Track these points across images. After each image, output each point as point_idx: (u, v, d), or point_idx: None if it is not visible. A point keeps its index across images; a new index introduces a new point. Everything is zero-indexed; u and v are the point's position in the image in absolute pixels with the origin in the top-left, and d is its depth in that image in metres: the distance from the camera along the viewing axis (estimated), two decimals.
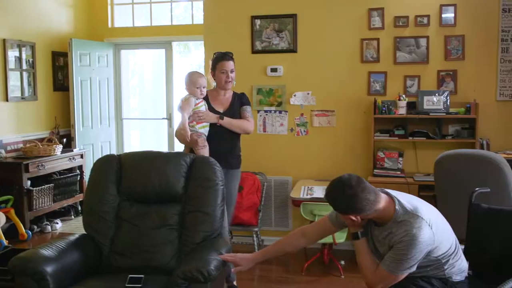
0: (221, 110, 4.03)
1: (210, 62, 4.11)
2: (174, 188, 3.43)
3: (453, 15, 4.95)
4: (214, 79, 4.07)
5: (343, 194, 2.42)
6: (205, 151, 3.80)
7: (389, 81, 5.12)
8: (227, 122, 3.94)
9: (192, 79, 3.84)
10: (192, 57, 11.54)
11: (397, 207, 2.47)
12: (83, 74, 6.71)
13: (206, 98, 4.02)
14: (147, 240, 3.33)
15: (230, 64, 4.00)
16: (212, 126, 3.93)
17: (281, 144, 5.42)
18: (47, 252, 3.00)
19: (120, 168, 3.54)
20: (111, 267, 3.32)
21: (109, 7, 7.18)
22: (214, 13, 5.51)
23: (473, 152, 4.03)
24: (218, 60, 4.00)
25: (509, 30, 4.85)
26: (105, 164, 3.59)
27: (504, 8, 4.84)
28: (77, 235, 3.40)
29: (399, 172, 4.87)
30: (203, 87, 3.85)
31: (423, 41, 5.02)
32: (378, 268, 2.51)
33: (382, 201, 2.47)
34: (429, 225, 2.42)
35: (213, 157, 3.59)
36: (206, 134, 3.89)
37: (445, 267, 2.55)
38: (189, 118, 3.80)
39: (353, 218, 2.47)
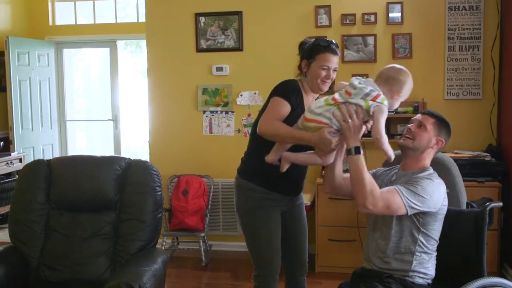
0: None
1: (300, 50, 3.04)
2: (107, 194, 3.22)
3: (400, 13, 4.89)
4: (304, 72, 2.96)
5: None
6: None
7: (337, 80, 4.99)
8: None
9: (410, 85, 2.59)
10: (144, 56, 11.25)
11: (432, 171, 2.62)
12: (22, 74, 6.38)
13: (300, 90, 2.94)
14: (78, 251, 3.11)
15: (335, 60, 2.89)
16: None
17: (228, 145, 5.25)
18: None
19: (49, 174, 3.30)
20: (40, 281, 3.09)
21: (49, 3, 6.86)
22: (156, 10, 5.30)
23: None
24: (322, 49, 2.86)
25: (455, 28, 4.81)
26: (33, 170, 3.35)
27: (450, 6, 4.80)
28: (1, 248, 3.15)
29: (347, 173, 4.76)
30: None
31: (370, 39, 4.94)
32: (387, 190, 2.45)
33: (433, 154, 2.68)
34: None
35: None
36: None
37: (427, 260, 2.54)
38: None
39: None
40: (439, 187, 2.54)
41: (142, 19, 6.52)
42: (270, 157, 2.75)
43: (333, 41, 2.91)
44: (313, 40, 2.97)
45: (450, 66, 4.85)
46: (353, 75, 4.92)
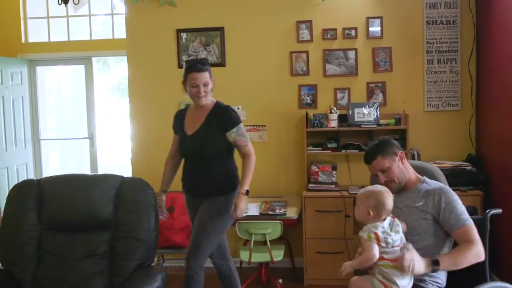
0: (191, 131, 3.48)
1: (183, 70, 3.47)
2: (101, 213, 3.17)
3: (379, 28, 4.99)
4: (186, 92, 3.50)
5: (378, 140, 2.90)
6: None
7: (319, 94, 5.08)
8: None
9: (381, 200, 2.58)
10: (111, 74, 11.11)
11: (425, 177, 2.82)
12: None
13: (183, 114, 3.60)
14: (74, 273, 3.05)
15: (203, 76, 3.36)
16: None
17: None
18: None
19: (40, 194, 3.24)
20: None
21: (22, 21, 6.72)
22: (137, 26, 5.27)
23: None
24: (188, 70, 3.39)
25: (433, 42, 4.94)
26: (22, 190, 3.27)
27: (428, 20, 4.93)
28: None
29: (333, 186, 4.81)
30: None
31: (351, 53, 5.03)
32: (459, 234, 2.53)
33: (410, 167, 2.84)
34: None
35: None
36: None
37: None
38: None
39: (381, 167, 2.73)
40: (451, 190, 2.72)
41: (118, 35, 6.47)
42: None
43: (200, 60, 3.46)
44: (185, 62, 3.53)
45: (430, 79, 4.97)
46: (336, 89, 5.04)
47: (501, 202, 4.26)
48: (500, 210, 2.83)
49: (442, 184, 2.76)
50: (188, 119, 3.56)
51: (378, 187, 2.61)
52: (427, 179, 2.81)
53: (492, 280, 2.64)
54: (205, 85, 3.38)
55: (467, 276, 2.64)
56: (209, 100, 3.48)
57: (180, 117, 3.63)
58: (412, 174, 2.83)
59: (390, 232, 2.49)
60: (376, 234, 2.48)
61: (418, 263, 2.41)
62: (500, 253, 4.26)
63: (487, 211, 2.75)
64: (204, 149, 3.41)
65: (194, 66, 3.38)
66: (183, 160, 3.69)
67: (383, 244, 2.47)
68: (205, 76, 3.38)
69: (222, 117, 3.44)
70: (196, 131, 3.47)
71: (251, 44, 5.14)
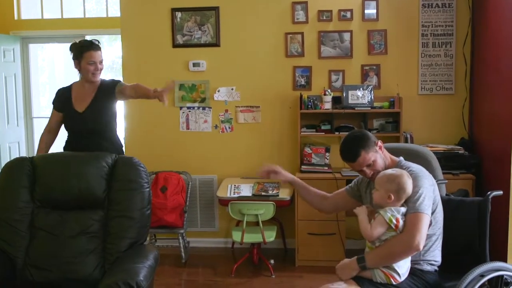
0: (82, 109, 3.75)
1: (71, 53, 3.78)
2: (94, 192, 3.14)
3: (375, 10, 4.97)
4: (79, 70, 3.77)
5: (354, 135, 2.74)
6: None
7: (314, 75, 5.07)
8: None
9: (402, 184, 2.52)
10: (105, 53, 11.05)
11: (401, 158, 2.75)
12: None
13: (68, 93, 3.82)
14: (66, 250, 3.02)
15: (99, 54, 3.73)
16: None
17: (205, 141, 5.23)
18: None
19: (33, 172, 3.20)
20: (27, 282, 2.98)
21: None
22: (131, 5, 5.22)
23: (400, 146, 4.02)
24: (86, 49, 3.70)
25: (429, 25, 4.93)
26: (15, 167, 3.23)
27: (424, 3, 4.92)
28: None
29: (326, 168, 4.83)
30: None
31: (346, 36, 5.01)
32: (407, 218, 2.46)
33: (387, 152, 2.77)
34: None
35: None
36: None
37: (431, 246, 2.61)
38: None
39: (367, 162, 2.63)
40: (423, 175, 2.61)
41: (112, 14, 6.41)
42: None
43: (95, 40, 3.76)
44: (77, 42, 3.78)
45: (424, 62, 4.97)
46: (330, 71, 5.03)
47: (492, 186, 4.29)
48: (500, 192, 2.82)
49: (417, 168, 2.66)
50: (76, 96, 3.80)
51: (398, 171, 2.56)
52: (402, 161, 2.74)
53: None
54: (100, 62, 3.75)
55: (466, 256, 2.68)
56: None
57: (65, 95, 3.83)
58: (389, 158, 2.77)
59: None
60: (397, 220, 2.46)
61: (342, 270, 2.55)
62: (491, 236, 4.30)
63: (489, 192, 2.76)
64: (96, 124, 3.74)
65: (91, 45, 3.72)
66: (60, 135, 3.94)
67: (398, 231, 2.47)
68: (100, 54, 3.76)
69: (110, 87, 3.81)
70: (87, 108, 3.75)
71: (246, 24, 5.11)
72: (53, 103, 3.90)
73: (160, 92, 3.62)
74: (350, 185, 3.00)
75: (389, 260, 2.46)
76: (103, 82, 3.84)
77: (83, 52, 3.69)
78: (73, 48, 3.77)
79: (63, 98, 3.84)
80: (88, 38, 6.53)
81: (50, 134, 3.91)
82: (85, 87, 3.80)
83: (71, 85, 3.90)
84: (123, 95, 3.85)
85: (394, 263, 2.46)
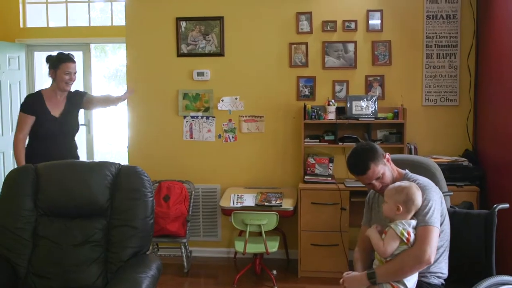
0: (57, 114, 4.18)
1: (48, 62, 4.19)
2: (98, 200, 3.14)
3: (379, 21, 4.98)
4: (54, 79, 4.17)
5: (362, 148, 2.75)
6: None
7: (318, 86, 5.07)
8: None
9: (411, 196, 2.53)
10: (108, 61, 11.04)
11: (407, 170, 2.75)
12: None
13: (41, 99, 4.15)
14: (69, 259, 3.02)
15: (74, 66, 4.18)
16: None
17: (208, 151, 5.23)
18: None
19: (37, 180, 3.20)
20: None
21: (20, 5, 6.68)
22: (136, 14, 5.24)
23: (404, 157, 4.00)
24: (63, 60, 4.13)
25: (433, 36, 4.93)
26: (19, 175, 3.24)
27: (428, 14, 4.92)
28: None
29: (330, 178, 4.81)
30: None
31: (351, 46, 5.01)
32: (418, 232, 2.46)
33: (393, 165, 2.77)
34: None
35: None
36: None
37: (438, 258, 2.59)
38: None
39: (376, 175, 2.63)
40: (431, 188, 2.60)
41: (117, 22, 6.43)
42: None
43: (70, 54, 4.21)
44: (55, 54, 4.19)
45: (428, 73, 4.96)
46: (334, 81, 5.04)
47: (497, 198, 4.27)
48: (507, 205, 2.81)
49: (424, 181, 2.66)
50: (50, 103, 4.19)
51: (407, 183, 2.56)
52: (408, 173, 2.75)
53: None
54: (74, 74, 4.20)
55: (473, 269, 2.67)
56: None
57: (39, 102, 4.17)
58: (396, 171, 2.77)
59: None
60: (409, 233, 2.45)
61: (350, 284, 2.54)
62: (496, 249, 4.27)
63: (495, 205, 2.75)
64: (69, 128, 4.28)
65: (69, 58, 4.17)
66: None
67: (409, 245, 2.46)
68: (75, 67, 4.22)
69: (78, 97, 4.34)
70: (62, 113, 4.21)
71: (250, 34, 5.12)
72: (26, 108, 4.18)
73: (124, 96, 4.45)
74: (364, 217, 2.94)
75: (400, 275, 2.44)
76: (70, 92, 4.29)
77: (61, 62, 4.12)
78: (50, 58, 4.19)
79: (38, 104, 4.16)
80: (92, 46, 6.71)
81: (24, 137, 4.21)
82: (57, 95, 4.21)
83: (39, 92, 4.27)
84: (91, 105, 4.46)
85: (405, 278, 2.45)
